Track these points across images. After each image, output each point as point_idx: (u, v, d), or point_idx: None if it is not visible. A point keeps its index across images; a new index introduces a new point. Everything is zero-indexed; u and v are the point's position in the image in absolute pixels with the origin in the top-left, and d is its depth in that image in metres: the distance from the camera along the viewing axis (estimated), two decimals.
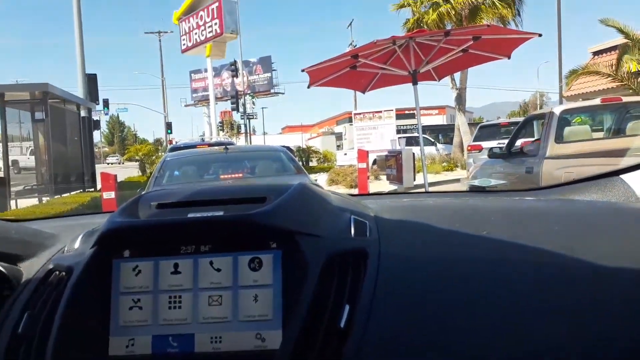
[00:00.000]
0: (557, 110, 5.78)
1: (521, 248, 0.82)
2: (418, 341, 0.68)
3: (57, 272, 0.85)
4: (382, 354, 0.67)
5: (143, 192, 0.96)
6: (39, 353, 0.74)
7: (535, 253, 0.80)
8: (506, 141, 7.25)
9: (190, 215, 0.82)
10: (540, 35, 6.56)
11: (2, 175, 11.30)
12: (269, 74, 48.23)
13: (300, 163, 6.29)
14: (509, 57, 7.04)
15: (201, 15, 22.52)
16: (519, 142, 6.66)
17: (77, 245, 0.90)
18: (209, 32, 22.20)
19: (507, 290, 0.74)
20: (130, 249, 0.81)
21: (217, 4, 21.66)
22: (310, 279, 0.73)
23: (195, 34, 22.83)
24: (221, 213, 0.81)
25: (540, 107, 48.36)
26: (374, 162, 15.70)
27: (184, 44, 23.70)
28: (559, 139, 5.54)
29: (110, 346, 0.76)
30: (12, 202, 10.98)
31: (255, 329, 0.75)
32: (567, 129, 5.81)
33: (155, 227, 0.82)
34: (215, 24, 21.83)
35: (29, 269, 0.92)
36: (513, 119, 17.20)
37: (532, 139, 7.56)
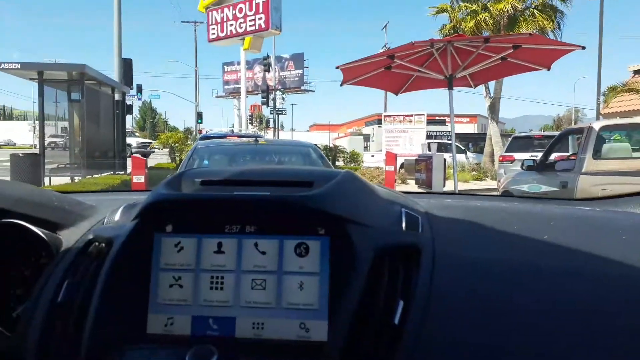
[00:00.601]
0: (597, 125, 5.62)
1: (588, 257, 0.77)
2: (474, 344, 0.64)
3: (97, 243, 0.84)
4: (437, 354, 0.63)
5: (186, 170, 0.93)
6: (77, 324, 0.72)
7: (601, 263, 0.75)
8: (539, 154, 7.09)
9: (236, 193, 0.79)
10: (583, 47, 6.38)
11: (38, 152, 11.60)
12: (300, 71, 48.38)
13: None
14: (549, 69, 6.88)
15: (240, 8, 22.65)
16: (553, 156, 6.51)
17: (117, 217, 0.89)
18: (250, 26, 22.40)
19: (574, 300, 0.69)
20: (173, 224, 0.78)
21: None
22: (359, 270, 0.70)
23: (231, 25, 22.91)
24: (267, 193, 0.78)
25: (575, 123, 47.32)
26: (401, 166, 15.60)
27: (213, 34, 23.72)
28: (597, 155, 5.38)
29: (149, 323, 0.74)
30: (46, 179, 11.25)
31: (300, 317, 0.71)
32: (606, 146, 5.65)
33: (200, 202, 0.79)
34: (260, 18, 22.12)
35: (69, 237, 0.90)
36: (547, 132, 16.83)
37: (567, 154, 7.39)
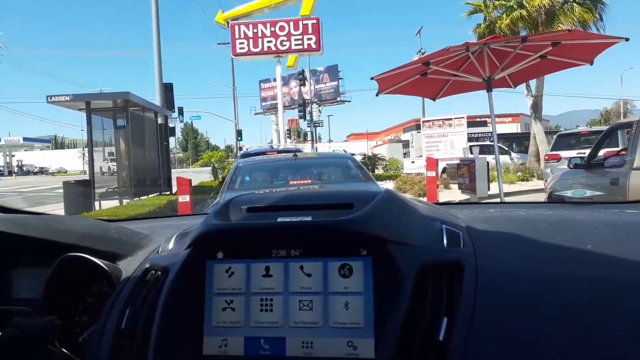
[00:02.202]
0: None
1: (632, 267, 0.75)
2: (518, 359, 0.65)
3: (154, 272, 0.89)
4: None
5: (232, 197, 0.98)
6: (140, 348, 0.77)
7: None
8: (587, 151, 6.85)
9: (280, 219, 0.82)
10: (627, 39, 6.14)
11: (88, 178, 12.10)
12: (335, 83, 48.69)
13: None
14: (592, 63, 6.64)
15: (282, 26, 23.13)
16: (602, 152, 6.27)
17: (171, 245, 0.94)
18: (297, 45, 23.20)
19: (618, 314, 0.68)
20: (223, 251, 0.83)
21: (314, 21, 23.15)
22: (402, 289, 0.72)
23: (269, 42, 23.30)
24: (309, 218, 0.81)
25: (624, 116, 45.41)
26: (444, 170, 15.35)
27: (242, 48, 23.70)
28: None
29: (205, 345, 0.78)
30: (96, 203, 11.71)
31: (347, 336, 0.74)
32: None
33: (247, 231, 0.83)
34: (310, 39, 23.13)
35: (127, 267, 0.96)
36: (594, 128, 16.19)
37: (617, 149, 7.09)
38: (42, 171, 62.21)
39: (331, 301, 0.76)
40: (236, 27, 23.72)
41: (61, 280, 0.92)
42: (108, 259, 0.96)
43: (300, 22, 23.13)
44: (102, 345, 0.80)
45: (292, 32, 23.09)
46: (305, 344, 0.75)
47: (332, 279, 0.77)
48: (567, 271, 0.76)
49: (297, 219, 0.81)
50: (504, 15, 19.25)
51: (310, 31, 22.95)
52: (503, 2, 19.64)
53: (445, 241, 0.81)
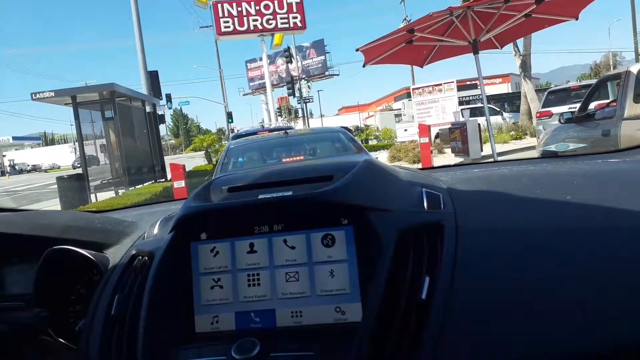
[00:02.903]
0: (635, 68, 5.36)
1: (611, 213, 0.76)
2: (501, 314, 0.66)
3: (140, 257, 0.90)
4: (465, 325, 0.65)
5: (213, 179, 0.98)
6: (131, 332, 0.78)
7: (627, 219, 0.74)
8: (578, 105, 6.85)
9: (260, 196, 0.83)
10: None
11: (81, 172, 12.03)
12: (322, 57, 48.30)
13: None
14: (577, 18, 6.59)
15: (267, 5, 23.12)
16: (592, 105, 6.27)
17: (155, 230, 0.95)
18: (283, 24, 23.43)
19: (597, 261, 0.69)
20: (206, 232, 0.83)
21: (298, 0, 23.45)
22: (385, 253, 0.73)
23: (255, 20, 23.18)
24: (290, 193, 0.82)
25: (614, 68, 45.27)
26: (437, 135, 15.37)
27: (227, 27, 23.18)
28: (638, 98, 5.14)
29: (197, 324, 0.80)
30: (92, 196, 11.68)
31: (334, 302, 0.75)
32: None
33: (228, 210, 0.84)
34: (295, 17, 23.39)
35: (114, 255, 0.97)
36: (584, 82, 16.11)
37: (607, 101, 7.09)
38: (35, 169, 61.93)
39: (316, 271, 0.78)
40: (219, 5, 23.27)
41: (49, 273, 0.93)
42: (94, 249, 0.96)
43: (285, 1, 23.24)
44: (94, 332, 0.81)
45: (277, 10, 23.15)
46: (295, 313, 0.77)
47: (316, 249, 0.78)
48: (546, 224, 0.76)
49: (278, 195, 0.82)
50: None
51: (295, 10, 23.13)
52: None
53: (425, 204, 0.82)
